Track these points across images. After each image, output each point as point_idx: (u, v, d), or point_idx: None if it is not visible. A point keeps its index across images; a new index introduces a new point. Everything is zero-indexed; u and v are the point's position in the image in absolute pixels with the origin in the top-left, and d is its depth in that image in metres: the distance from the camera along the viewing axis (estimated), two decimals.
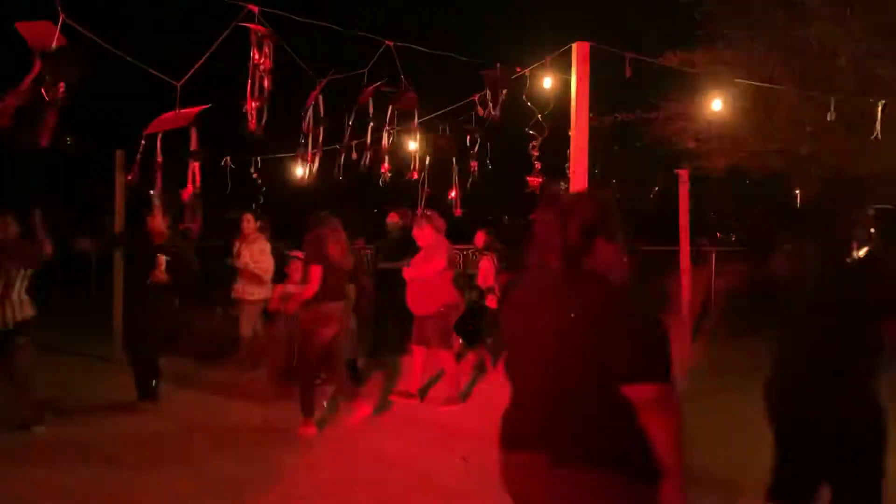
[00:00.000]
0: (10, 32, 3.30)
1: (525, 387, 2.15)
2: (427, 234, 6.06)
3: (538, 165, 5.78)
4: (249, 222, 7.00)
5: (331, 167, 5.76)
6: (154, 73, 3.81)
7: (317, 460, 4.75)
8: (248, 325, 7.00)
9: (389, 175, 5.77)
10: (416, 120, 5.68)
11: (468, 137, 6.40)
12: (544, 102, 5.54)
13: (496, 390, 6.69)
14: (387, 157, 5.76)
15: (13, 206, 5.20)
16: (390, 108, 5.65)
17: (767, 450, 3.03)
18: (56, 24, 3.34)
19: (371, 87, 5.19)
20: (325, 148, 5.37)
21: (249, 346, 7.03)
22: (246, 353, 7.02)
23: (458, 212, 6.60)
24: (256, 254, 6.97)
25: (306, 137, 5.03)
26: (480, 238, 7.54)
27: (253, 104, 4.03)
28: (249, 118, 4.04)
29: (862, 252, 2.72)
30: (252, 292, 6.92)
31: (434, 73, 7.25)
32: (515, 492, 2.13)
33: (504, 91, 5.52)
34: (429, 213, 6.19)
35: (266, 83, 4.05)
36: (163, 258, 5.56)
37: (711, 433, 5.51)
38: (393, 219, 7.71)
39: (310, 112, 4.91)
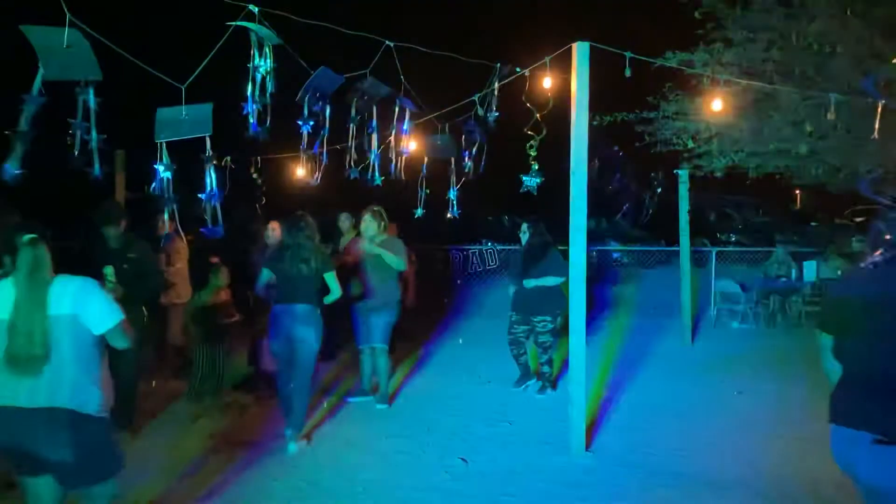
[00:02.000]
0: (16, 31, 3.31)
1: (855, 371, 2.54)
2: (376, 225, 5.99)
3: (534, 165, 5.78)
4: (164, 224, 6.74)
5: (331, 168, 5.75)
6: (158, 74, 3.81)
7: (310, 462, 4.76)
8: (178, 329, 6.89)
9: (379, 179, 5.77)
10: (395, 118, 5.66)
11: (463, 138, 6.39)
12: (544, 102, 5.55)
13: (486, 391, 6.70)
14: (399, 160, 5.79)
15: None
16: (397, 110, 5.66)
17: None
18: (56, 23, 3.34)
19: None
20: (326, 149, 5.37)
21: (180, 351, 6.89)
22: (177, 359, 6.86)
23: (455, 212, 6.58)
24: (174, 256, 6.79)
25: (309, 139, 5.05)
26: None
27: (254, 106, 4.03)
28: (250, 120, 4.05)
29: None
30: (178, 296, 6.79)
31: (434, 73, 7.24)
32: (843, 463, 2.55)
33: (497, 86, 5.53)
34: (375, 207, 6.07)
35: (267, 85, 4.05)
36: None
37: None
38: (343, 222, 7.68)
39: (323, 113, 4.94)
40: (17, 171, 3.32)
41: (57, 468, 2.77)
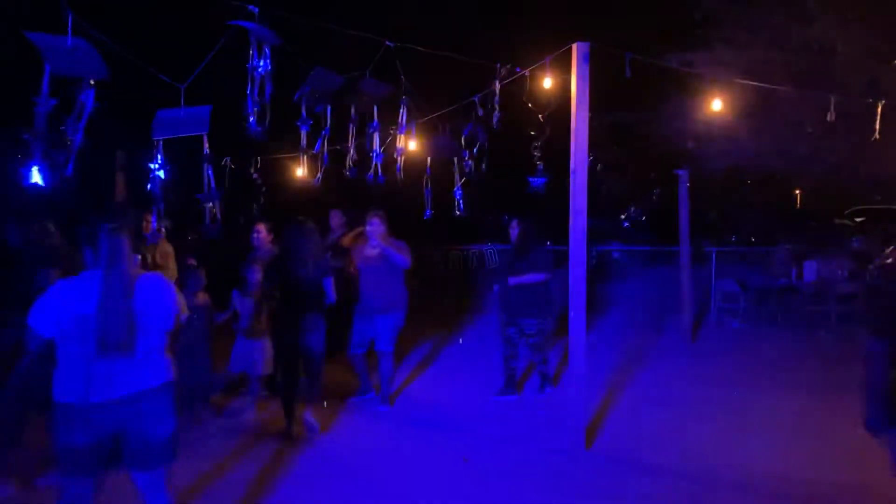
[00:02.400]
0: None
1: None
2: (384, 228, 5.90)
3: (540, 165, 5.78)
4: (148, 223, 6.32)
5: (332, 168, 5.75)
6: (159, 74, 3.82)
7: (315, 462, 4.76)
8: None
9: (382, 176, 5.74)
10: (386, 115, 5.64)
11: (463, 138, 6.37)
12: (545, 103, 5.55)
13: (480, 392, 6.68)
14: (401, 159, 5.78)
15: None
16: (404, 110, 5.64)
17: None
18: (56, 21, 3.34)
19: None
20: (326, 149, 5.38)
21: None
22: None
23: (461, 210, 6.56)
24: (162, 258, 6.53)
25: (309, 139, 5.05)
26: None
27: (253, 106, 4.03)
28: (249, 120, 4.05)
29: None
30: None
31: (434, 73, 7.24)
32: None
33: (498, 86, 5.53)
34: (379, 211, 5.95)
35: (266, 85, 4.05)
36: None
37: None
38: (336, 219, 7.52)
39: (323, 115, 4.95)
40: (36, 180, 3.33)
41: (145, 449, 2.85)
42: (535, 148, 5.70)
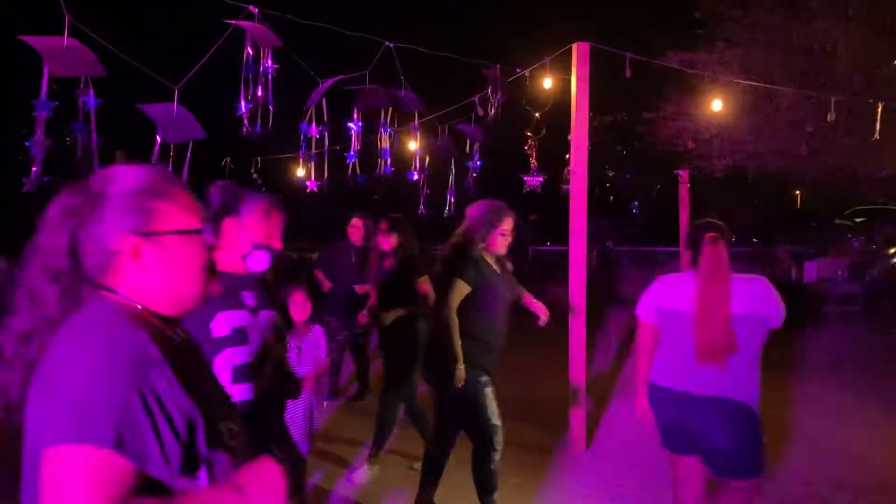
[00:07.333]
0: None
1: None
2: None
3: (535, 165, 5.76)
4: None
5: (331, 168, 5.73)
6: (152, 74, 3.81)
7: (310, 461, 4.75)
8: None
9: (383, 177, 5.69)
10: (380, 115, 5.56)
11: (469, 143, 6.35)
12: (544, 102, 5.54)
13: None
14: (386, 160, 5.74)
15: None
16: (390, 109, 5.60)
17: None
18: (54, 22, 3.32)
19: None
20: (324, 149, 5.36)
21: None
22: None
23: (453, 213, 6.53)
24: None
25: (308, 139, 5.03)
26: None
27: (247, 106, 4.01)
28: (244, 120, 4.04)
29: None
30: None
31: (434, 73, 7.24)
32: None
33: (500, 92, 5.51)
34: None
35: (262, 85, 4.04)
36: None
37: None
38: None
39: (311, 113, 4.91)
40: (44, 179, 3.30)
41: (712, 453, 2.98)
42: (531, 147, 5.69)
